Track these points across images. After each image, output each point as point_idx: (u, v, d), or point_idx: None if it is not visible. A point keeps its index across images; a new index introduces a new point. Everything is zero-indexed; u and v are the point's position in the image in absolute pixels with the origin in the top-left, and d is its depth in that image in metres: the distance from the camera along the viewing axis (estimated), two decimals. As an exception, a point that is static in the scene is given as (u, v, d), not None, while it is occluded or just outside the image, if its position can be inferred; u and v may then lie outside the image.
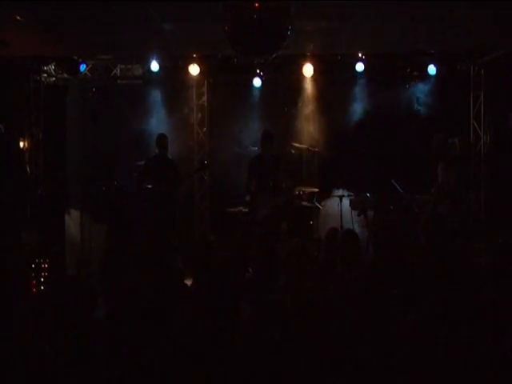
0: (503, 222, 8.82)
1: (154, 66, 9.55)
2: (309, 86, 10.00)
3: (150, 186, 8.72)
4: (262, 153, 8.48)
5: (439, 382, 3.39)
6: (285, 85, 9.99)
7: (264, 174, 8.22)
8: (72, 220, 9.67)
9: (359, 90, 9.98)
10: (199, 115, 10.45)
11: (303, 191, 8.83)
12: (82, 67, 9.68)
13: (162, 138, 8.87)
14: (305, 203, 8.76)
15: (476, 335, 3.51)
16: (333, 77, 9.85)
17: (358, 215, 8.98)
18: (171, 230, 8.64)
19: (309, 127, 10.02)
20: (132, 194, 9.40)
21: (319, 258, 5.74)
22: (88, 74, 9.95)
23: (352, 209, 9.06)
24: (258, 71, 9.84)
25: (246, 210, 8.69)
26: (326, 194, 9.46)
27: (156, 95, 10.08)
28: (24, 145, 9.70)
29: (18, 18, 6.43)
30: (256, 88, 9.99)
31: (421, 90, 10.01)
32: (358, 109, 9.96)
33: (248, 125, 9.77)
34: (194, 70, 9.53)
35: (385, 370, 3.46)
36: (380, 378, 3.45)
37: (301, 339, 3.68)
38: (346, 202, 9.00)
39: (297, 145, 9.79)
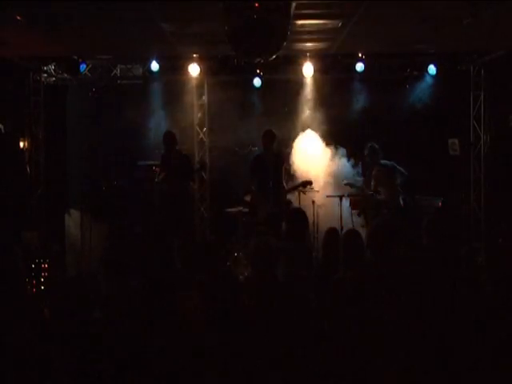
0: (503, 222, 8.83)
1: (154, 66, 9.55)
2: (309, 86, 10.00)
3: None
4: (264, 152, 8.48)
5: (440, 381, 3.39)
6: (285, 85, 9.99)
7: (265, 173, 8.21)
8: (72, 220, 9.66)
9: (359, 90, 9.98)
10: (199, 115, 10.45)
11: (303, 191, 8.82)
12: (82, 67, 9.66)
13: (164, 135, 8.90)
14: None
15: (477, 334, 3.51)
16: (333, 77, 9.85)
17: (358, 215, 8.99)
18: (175, 230, 8.61)
19: (309, 127, 10.02)
20: (133, 194, 9.42)
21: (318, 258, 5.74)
22: (88, 74, 9.94)
23: (352, 209, 9.07)
24: (257, 71, 9.83)
25: (246, 210, 8.68)
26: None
27: (156, 95, 10.08)
28: (24, 144, 9.71)
29: (18, 18, 6.43)
30: (256, 88, 9.98)
31: (421, 89, 10.01)
32: (357, 109, 9.96)
33: (248, 125, 9.76)
34: (193, 70, 9.53)
35: (385, 371, 3.46)
36: (380, 378, 3.45)
37: (299, 338, 3.68)
38: (345, 201, 9.01)
39: (297, 145, 9.80)
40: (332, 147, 9.78)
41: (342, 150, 9.74)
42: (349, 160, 9.69)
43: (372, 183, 8.70)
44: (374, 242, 4.08)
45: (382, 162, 8.74)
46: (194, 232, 10.34)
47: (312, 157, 9.78)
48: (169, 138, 8.79)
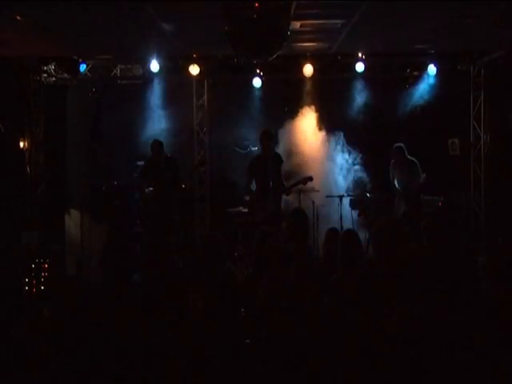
0: (503, 222, 8.83)
1: (154, 66, 9.55)
2: (309, 86, 10.00)
3: (150, 189, 8.82)
4: (263, 152, 8.46)
5: (440, 381, 3.39)
6: (285, 85, 9.99)
7: (264, 173, 8.20)
8: (72, 220, 9.66)
9: (359, 90, 9.97)
10: (199, 115, 10.46)
11: (304, 190, 8.81)
12: (82, 67, 9.68)
13: (152, 143, 8.96)
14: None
15: (477, 334, 3.51)
16: (333, 77, 9.85)
17: (358, 215, 8.98)
18: (171, 231, 8.64)
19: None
20: (132, 194, 9.44)
21: (319, 258, 5.74)
22: (88, 73, 9.94)
23: (352, 209, 9.06)
24: (258, 71, 9.84)
25: (246, 210, 8.67)
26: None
27: (156, 95, 10.08)
28: (24, 145, 9.70)
29: (18, 18, 6.43)
30: (256, 88, 9.98)
31: (421, 90, 10.01)
32: (357, 109, 9.95)
33: (248, 125, 9.75)
34: (193, 70, 9.53)
35: (385, 371, 3.46)
36: (380, 378, 3.46)
37: (299, 338, 3.68)
38: (345, 201, 9.01)
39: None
40: (330, 133, 9.78)
41: (340, 137, 9.72)
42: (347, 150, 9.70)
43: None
44: (379, 241, 4.06)
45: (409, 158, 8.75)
46: (194, 232, 10.35)
47: (310, 150, 9.79)
48: (154, 146, 8.85)
